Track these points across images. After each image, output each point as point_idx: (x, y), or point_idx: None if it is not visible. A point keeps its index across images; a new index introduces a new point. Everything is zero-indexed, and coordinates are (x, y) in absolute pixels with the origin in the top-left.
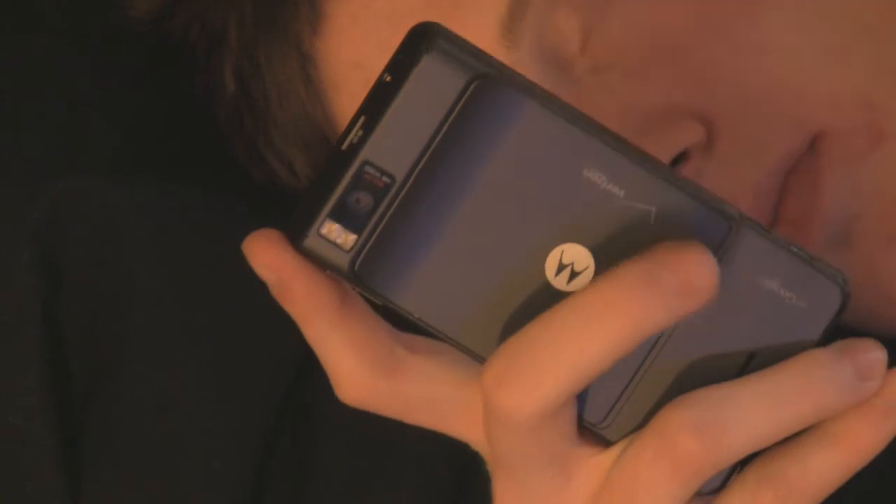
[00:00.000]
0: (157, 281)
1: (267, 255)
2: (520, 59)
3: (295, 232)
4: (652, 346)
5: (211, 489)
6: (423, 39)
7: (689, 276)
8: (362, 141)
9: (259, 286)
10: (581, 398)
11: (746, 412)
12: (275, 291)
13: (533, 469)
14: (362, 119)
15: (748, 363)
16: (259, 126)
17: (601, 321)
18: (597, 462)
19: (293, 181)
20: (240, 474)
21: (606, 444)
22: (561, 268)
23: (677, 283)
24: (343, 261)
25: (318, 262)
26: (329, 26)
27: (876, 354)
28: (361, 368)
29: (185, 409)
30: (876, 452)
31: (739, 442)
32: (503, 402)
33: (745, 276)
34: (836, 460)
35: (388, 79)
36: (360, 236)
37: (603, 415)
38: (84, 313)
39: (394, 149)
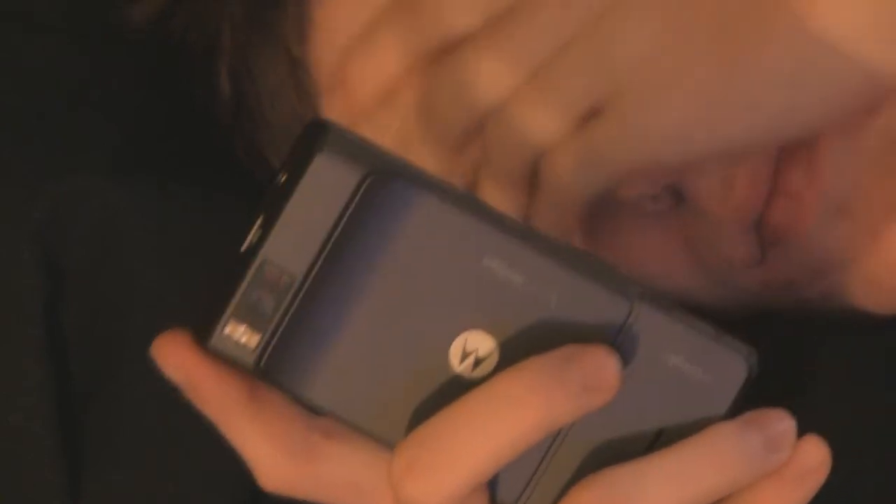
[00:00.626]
0: (157, 281)
1: (174, 357)
2: None
3: (200, 333)
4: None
5: (211, 489)
6: (315, 137)
7: (594, 373)
8: (261, 240)
9: None
10: (494, 479)
11: (655, 489)
12: (186, 391)
13: None
14: (260, 219)
15: (657, 440)
16: (255, 127)
17: (507, 415)
18: None
19: None
20: (240, 474)
21: None
22: (465, 355)
23: (582, 381)
24: (249, 359)
25: (226, 361)
26: (318, 34)
27: (784, 424)
28: (279, 458)
29: (185, 408)
30: None
31: None
32: (410, 492)
33: (649, 354)
34: None
35: (284, 177)
36: (263, 334)
37: (516, 495)
38: (84, 313)
39: (292, 247)
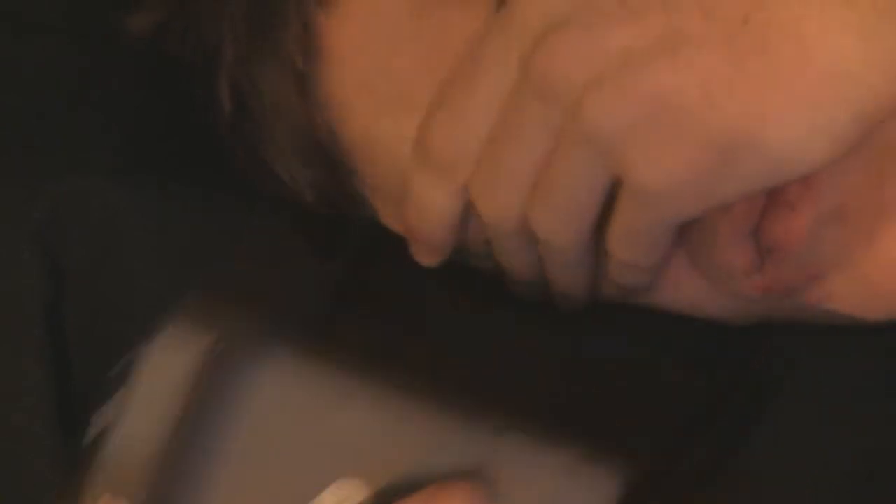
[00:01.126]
0: (157, 281)
1: None
2: None
3: None
4: None
5: None
6: (164, 310)
7: None
8: (117, 417)
9: None
10: None
11: None
12: None
13: None
14: (113, 396)
15: None
16: (258, 139)
17: None
18: None
19: (296, 190)
20: None
21: None
22: None
23: None
24: None
25: None
26: (325, 46)
27: None
28: None
29: None
30: None
31: None
32: None
33: (513, 487)
34: None
35: (136, 353)
36: None
37: None
38: (84, 313)
39: (147, 421)
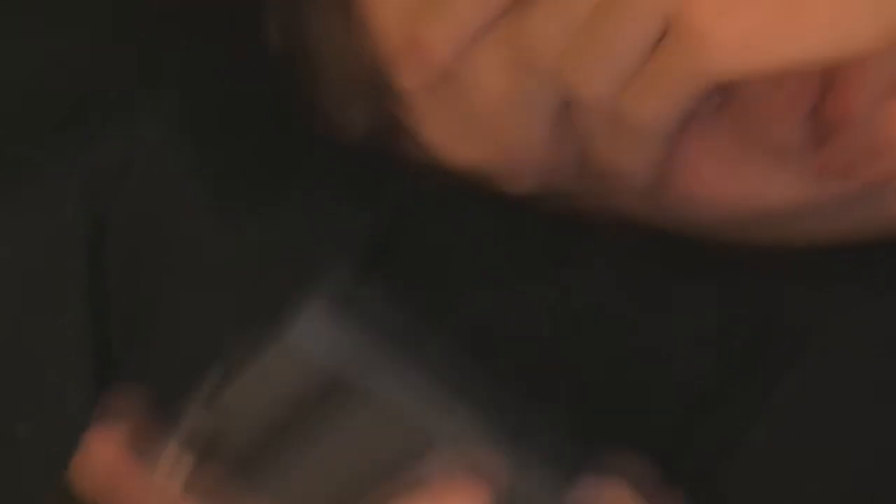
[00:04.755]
0: (200, 240)
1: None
2: None
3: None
4: None
5: None
6: (287, 317)
7: None
8: (219, 389)
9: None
10: None
11: None
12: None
13: None
14: (224, 367)
15: None
16: (306, 75)
17: None
18: None
19: (350, 126)
20: None
21: None
22: None
23: None
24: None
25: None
26: None
27: None
28: None
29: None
30: None
31: None
32: None
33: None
34: None
35: (253, 343)
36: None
37: None
38: (127, 269)
39: (239, 416)
